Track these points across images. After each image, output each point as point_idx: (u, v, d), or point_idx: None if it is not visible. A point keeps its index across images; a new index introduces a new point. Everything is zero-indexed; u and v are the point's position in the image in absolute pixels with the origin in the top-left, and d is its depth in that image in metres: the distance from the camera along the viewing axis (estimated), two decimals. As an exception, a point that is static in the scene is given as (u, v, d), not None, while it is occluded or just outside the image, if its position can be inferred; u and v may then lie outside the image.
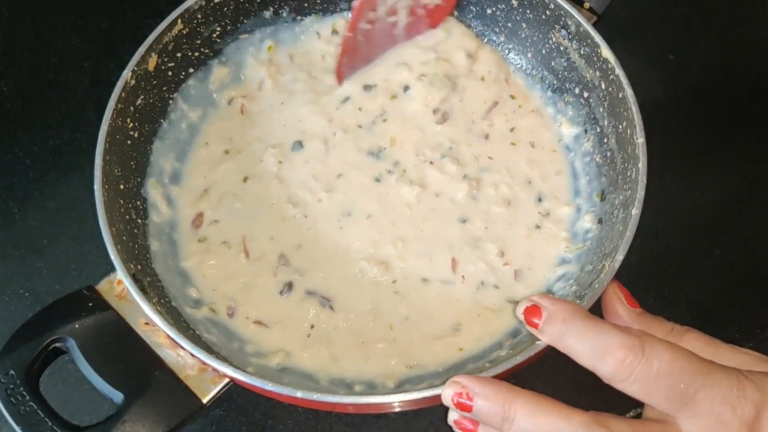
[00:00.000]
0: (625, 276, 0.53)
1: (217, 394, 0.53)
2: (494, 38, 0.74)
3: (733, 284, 0.71)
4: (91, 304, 0.54)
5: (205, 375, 0.53)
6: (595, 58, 0.64)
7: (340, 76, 0.72)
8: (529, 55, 0.72)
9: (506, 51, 0.73)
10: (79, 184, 0.77)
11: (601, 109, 0.65)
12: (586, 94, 0.67)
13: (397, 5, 0.69)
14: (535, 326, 0.48)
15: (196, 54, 0.70)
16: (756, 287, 0.71)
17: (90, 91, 0.83)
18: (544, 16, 0.68)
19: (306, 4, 0.74)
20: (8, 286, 0.71)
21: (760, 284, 0.71)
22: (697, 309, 0.69)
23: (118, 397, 0.51)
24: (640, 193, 0.56)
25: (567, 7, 0.65)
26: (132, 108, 0.64)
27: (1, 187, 0.77)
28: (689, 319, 0.67)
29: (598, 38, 0.63)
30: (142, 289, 0.54)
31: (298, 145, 0.68)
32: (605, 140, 0.65)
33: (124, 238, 0.58)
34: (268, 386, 0.49)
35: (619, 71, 0.61)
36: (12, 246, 0.73)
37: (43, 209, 0.76)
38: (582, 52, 0.66)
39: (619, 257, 0.53)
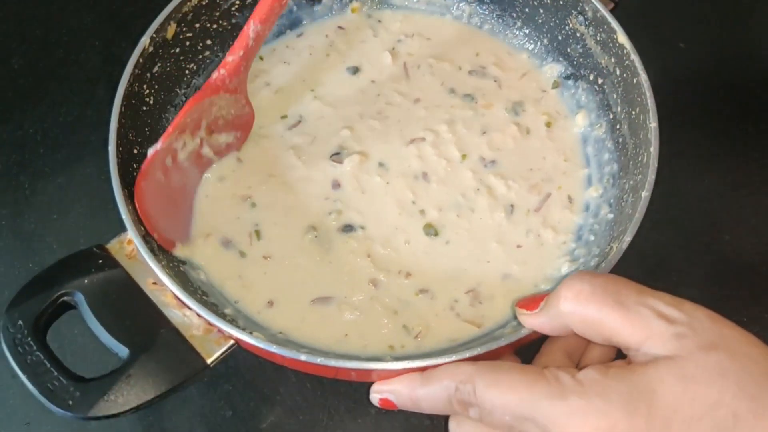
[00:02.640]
0: (632, 262, 0.53)
1: (221, 355, 0.53)
2: (512, 23, 0.74)
3: (740, 269, 0.71)
4: (100, 261, 0.54)
5: (210, 336, 0.53)
6: (611, 44, 0.64)
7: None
8: (546, 41, 0.72)
9: (523, 37, 0.74)
10: (89, 161, 0.77)
11: (614, 96, 0.65)
12: (600, 81, 0.67)
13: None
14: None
15: (215, 26, 0.70)
16: (764, 272, 0.71)
17: (101, 69, 0.83)
18: (561, 2, 0.68)
19: (327, -19, 0.75)
20: (17, 260, 0.71)
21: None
22: (705, 294, 0.68)
23: (123, 351, 0.51)
24: (651, 177, 0.56)
25: (585, -8, 0.66)
26: (149, 75, 0.64)
27: (12, 162, 0.77)
28: (697, 303, 0.68)
29: (614, 24, 0.63)
30: (152, 251, 0.54)
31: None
32: (618, 126, 0.65)
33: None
34: (273, 348, 0.50)
35: (635, 57, 0.61)
36: (22, 221, 0.74)
37: (54, 185, 0.76)
38: (598, 38, 0.66)
39: (627, 238, 0.53)
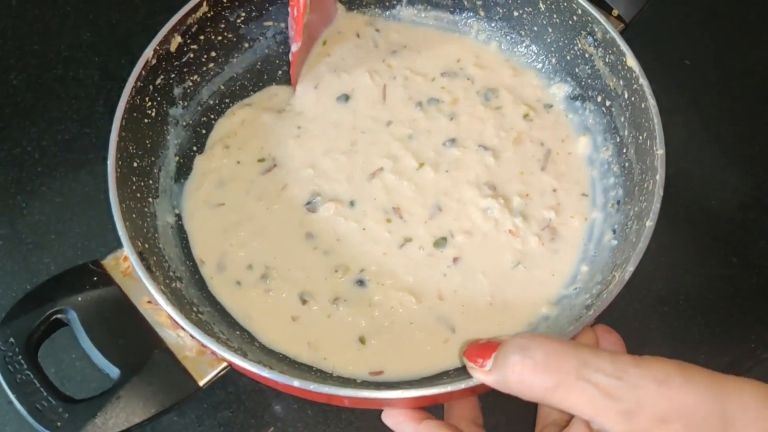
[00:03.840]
0: (640, 284, 0.53)
1: (214, 377, 0.52)
2: (520, 41, 0.73)
3: (750, 293, 0.70)
4: (95, 279, 0.54)
5: (203, 357, 0.52)
6: (620, 67, 0.63)
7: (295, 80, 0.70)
8: (554, 60, 0.71)
9: (531, 55, 0.73)
10: (88, 180, 0.76)
11: (622, 119, 0.64)
12: (608, 103, 0.66)
13: None
14: None
15: (219, 38, 0.70)
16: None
17: (100, 86, 0.82)
18: (571, 22, 0.67)
19: (332, -4, 0.74)
20: (15, 281, 0.71)
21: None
22: (713, 318, 0.68)
23: (114, 372, 0.50)
24: (656, 206, 0.55)
25: (595, 13, 0.65)
26: (151, 87, 0.64)
27: (9, 181, 0.76)
28: (705, 328, 0.67)
29: (624, 46, 0.62)
30: (148, 268, 0.54)
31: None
32: (624, 150, 0.64)
33: (134, 215, 0.58)
34: (265, 372, 0.49)
35: (643, 81, 0.60)
36: (19, 241, 0.73)
37: (51, 204, 0.75)
38: (607, 60, 0.65)
39: (630, 268, 0.52)
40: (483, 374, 0.45)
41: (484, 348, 0.46)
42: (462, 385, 0.48)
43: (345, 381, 0.57)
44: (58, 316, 0.52)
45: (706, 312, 0.69)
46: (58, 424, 0.48)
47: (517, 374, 0.43)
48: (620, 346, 0.54)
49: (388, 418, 0.52)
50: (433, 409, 0.52)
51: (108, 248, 0.57)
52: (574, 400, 0.41)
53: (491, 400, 0.60)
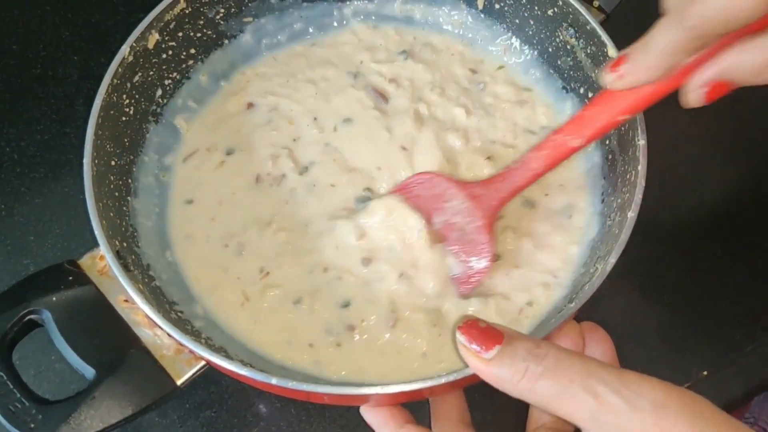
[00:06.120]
0: (624, 277, 0.52)
1: (192, 376, 0.52)
2: (501, 34, 0.72)
3: (735, 286, 0.69)
4: (71, 278, 0.53)
5: (181, 356, 0.52)
6: (602, 58, 0.63)
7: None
8: (536, 53, 0.71)
9: (513, 49, 0.72)
10: (68, 180, 0.76)
11: (604, 110, 0.64)
12: (590, 95, 0.66)
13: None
14: None
15: (198, 35, 0.69)
16: (759, 289, 0.69)
17: (79, 86, 0.82)
18: (551, 13, 0.67)
19: (313, -9, 0.73)
20: None
21: (764, 285, 0.69)
22: (699, 311, 0.68)
23: (90, 372, 0.50)
24: (638, 196, 0.54)
25: (575, 4, 0.64)
26: (129, 84, 0.63)
27: (-12, 182, 0.76)
28: (691, 320, 0.67)
29: (605, 37, 0.62)
30: (125, 267, 0.53)
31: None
32: (607, 142, 0.63)
33: (112, 214, 0.57)
34: (243, 371, 0.48)
35: (625, 71, 0.60)
36: None
37: (31, 205, 0.74)
38: (588, 51, 0.64)
39: (612, 260, 0.52)
40: (481, 362, 0.43)
41: (486, 334, 0.43)
42: (442, 380, 0.47)
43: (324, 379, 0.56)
44: (32, 316, 0.52)
45: (692, 305, 0.68)
46: (32, 425, 0.47)
47: (525, 380, 0.41)
48: (608, 342, 0.54)
49: (369, 414, 0.51)
50: (420, 411, 0.51)
51: (88, 249, 0.56)
52: (572, 409, 0.41)
53: (477, 395, 0.60)
